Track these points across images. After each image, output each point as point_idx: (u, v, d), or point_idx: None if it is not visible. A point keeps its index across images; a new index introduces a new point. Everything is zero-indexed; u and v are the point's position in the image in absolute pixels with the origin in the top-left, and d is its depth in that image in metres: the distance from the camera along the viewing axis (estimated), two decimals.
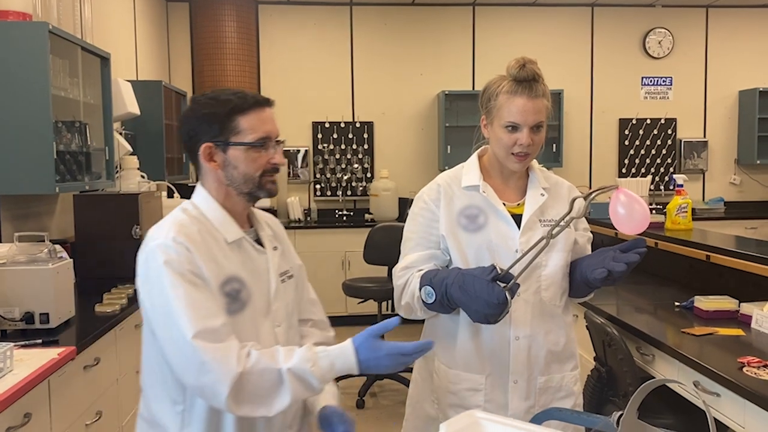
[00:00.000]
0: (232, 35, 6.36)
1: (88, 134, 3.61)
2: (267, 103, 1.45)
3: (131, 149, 4.27)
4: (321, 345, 1.39)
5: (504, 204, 1.74)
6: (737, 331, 2.37)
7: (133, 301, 2.81)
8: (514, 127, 1.67)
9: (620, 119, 6.95)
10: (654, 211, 5.67)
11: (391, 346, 1.34)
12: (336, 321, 5.75)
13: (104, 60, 3.75)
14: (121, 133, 4.58)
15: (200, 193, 1.47)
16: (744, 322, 2.47)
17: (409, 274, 1.74)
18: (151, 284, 1.33)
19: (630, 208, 1.51)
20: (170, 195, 4.27)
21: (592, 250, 1.92)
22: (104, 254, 3.24)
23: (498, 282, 1.54)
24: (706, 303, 2.59)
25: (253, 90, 6.51)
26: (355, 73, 6.75)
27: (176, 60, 6.55)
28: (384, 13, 6.72)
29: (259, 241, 1.50)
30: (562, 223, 1.55)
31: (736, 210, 6.85)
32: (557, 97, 6.52)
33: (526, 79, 1.67)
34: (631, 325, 2.55)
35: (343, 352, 1.35)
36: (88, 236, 3.27)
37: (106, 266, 3.24)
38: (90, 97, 3.66)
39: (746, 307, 2.49)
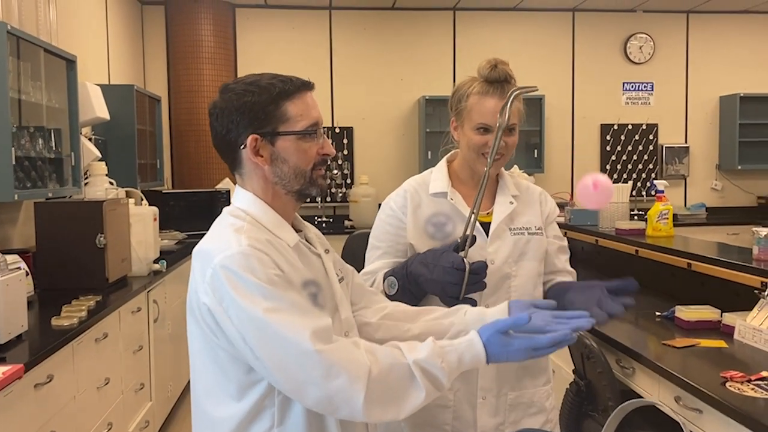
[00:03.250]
0: (208, 39, 6.25)
1: (52, 140, 3.48)
2: (311, 86, 1.31)
3: (100, 155, 4.14)
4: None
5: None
6: (720, 343, 2.29)
7: (93, 314, 2.69)
8: (485, 129, 1.61)
9: (602, 125, 6.91)
10: (636, 218, 5.63)
11: (522, 341, 1.21)
12: None
13: (70, 63, 3.62)
14: (90, 139, 4.45)
15: (245, 197, 1.30)
16: (727, 332, 2.39)
17: (373, 277, 1.67)
18: (233, 301, 1.13)
19: (595, 185, 1.55)
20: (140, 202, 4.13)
21: (572, 263, 1.84)
22: (67, 264, 3.11)
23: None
24: (687, 313, 2.52)
25: None
26: (334, 78, 6.65)
27: (151, 64, 6.41)
28: (363, 18, 6.63)
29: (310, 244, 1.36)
30: (496, 141, 1.52)
31: (717, 216, 6.83)
32: (538, 102, 6.47)
33: (497, 80, 1.61)
34: (610, 336, 2.47)
35: (472, 347, 1.21)
36: (49, 246, 3.14)
37: (69, 277, 3.11)
38: (55, 101, 3.54)
39: (729, 318, 2.42)
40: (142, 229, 3.61)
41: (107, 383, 2.83)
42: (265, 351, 1.12)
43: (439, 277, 1.47)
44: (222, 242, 1.20)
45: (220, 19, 6.33)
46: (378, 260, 1.70)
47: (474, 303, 1.47)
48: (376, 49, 6.66)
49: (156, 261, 3.78)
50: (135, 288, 3.31)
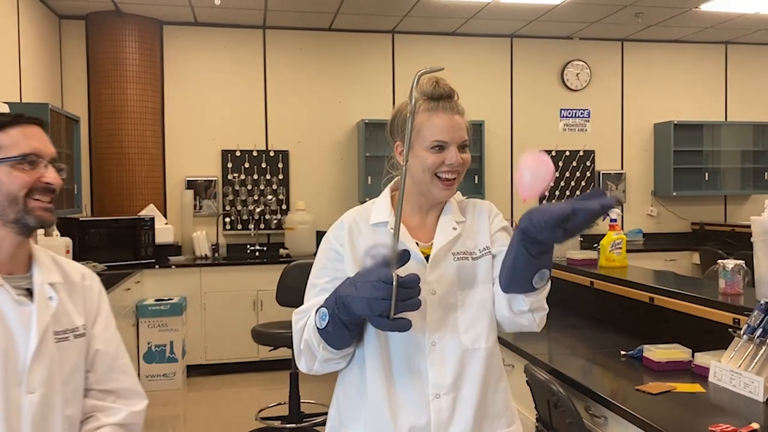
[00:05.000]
0: (133, 56, 5.85)
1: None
2: (33, 121, 1.35)
3: None
4: (121, 425, 1.38)
5: (417, 244, 1.52)
6: (696, 387, 2.12)
7: None
8: (440, 147, 1.49)
9: (540, 151, 6.85)
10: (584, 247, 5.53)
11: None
12: (247, 366, 5.09)
13: None
14: None
15: None
16: (700, 374, 2.23)
17: (306, 316, 1.46)
18: None
19: (536, 166, 1.39)
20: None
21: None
22: None
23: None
24: (656, 353, 2.34)
25: (156, 115, 6.01)
26: (268, 100, 6.36)
27: (70, 82, 5.95)
28: (299, 38, 6.39)
29: (30, 290, 1.33)
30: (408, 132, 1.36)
31: (654, 242, 6.87)
32: (478, 128, 6.37)
33: (443, 96, 1.52)
34: (577, 381, 2.26)
35: None
36: None
37: None
38: None
39: (701, 358, 2.25)
40: None
41: None
42: None
43: (365, 293, 1.27)
44: None
45: (146, 36, 5.95)
46: (315, 297, 1.49)
47: (408, 324, 1.28)
48: (313, 71, 6.42)
49: None
50: None
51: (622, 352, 2.55)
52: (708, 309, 2.41)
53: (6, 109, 3.74)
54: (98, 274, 4.63)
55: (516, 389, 2.11)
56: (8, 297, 1.29)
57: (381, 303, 1.25)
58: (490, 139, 6.63)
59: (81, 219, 5.22)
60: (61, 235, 3.82)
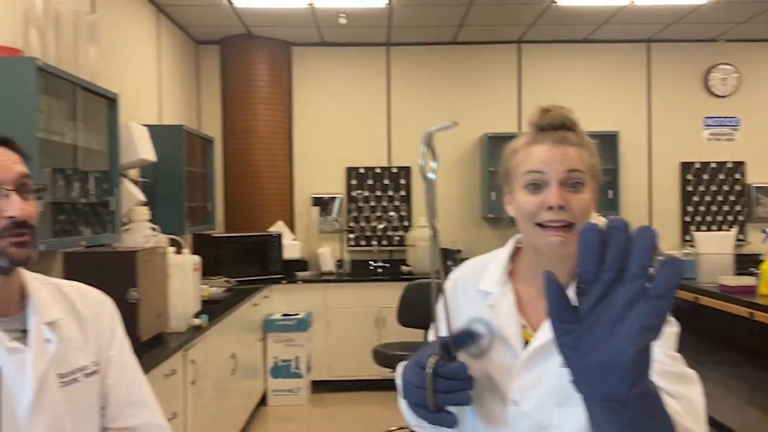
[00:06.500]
0: (264, 78, 6.06)
1: (89, 183, 3.25)
2: None
3: (144, 199, 3.90)
4: None
5: (524, 326, 1.18)
6: None
7: None
8: (536, 185, 1.15)
9: (682, 163, 6.35)
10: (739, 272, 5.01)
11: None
12: (370, 384, 4.93)
13: (111, 102, 3.41)
14: (136, 182, 4.23)
15: None
16: None
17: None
18: None
19: None
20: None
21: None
22: None
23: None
24: None
25: (284, 134, 6.17)
26: (392, 116, 6.35)
27: (206, 104, 6.26)
28: (423, 54, 6.33)
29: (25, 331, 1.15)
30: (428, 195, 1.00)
31: None
32: (612, 139, 5.99)
33: (551, 125, 1.18)
34: (733, 429, 1.97)
35: None
36: None
37: None
38: (94, 142, 3.31)
39: None
40: (181, 280, 3.31)
41: None
42: None
43: (406, 375, 1.06)
44: None
45: (276, 57, 6.14)
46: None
47: (453, 420, 1.03)
48: (436, 86, 6.34)
49: (197, 315, 3.47)
50: (171, 347, 2.99)
51: None
52: None
53: (143, 131, 3.95)
54: (229, 289, 4.81)
55: None
56: None
57: (416, 391, 1.03)
58: (626, 150, 6.21)
59: (214, 235, 5.44)
60: (195, 252, 3.96)
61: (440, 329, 1.04)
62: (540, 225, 1.13)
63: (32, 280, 1.22)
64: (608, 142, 5.92)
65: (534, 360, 1.13)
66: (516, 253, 1.25)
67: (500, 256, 1.27)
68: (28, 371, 1.11)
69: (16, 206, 1.10)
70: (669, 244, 6.15)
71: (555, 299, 0.71)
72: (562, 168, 1.13)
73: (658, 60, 6.39)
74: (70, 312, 1.25)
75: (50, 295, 1.23)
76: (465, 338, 1.08)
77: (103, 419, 1.26)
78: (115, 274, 2.82)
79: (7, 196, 1.10)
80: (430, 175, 0.98)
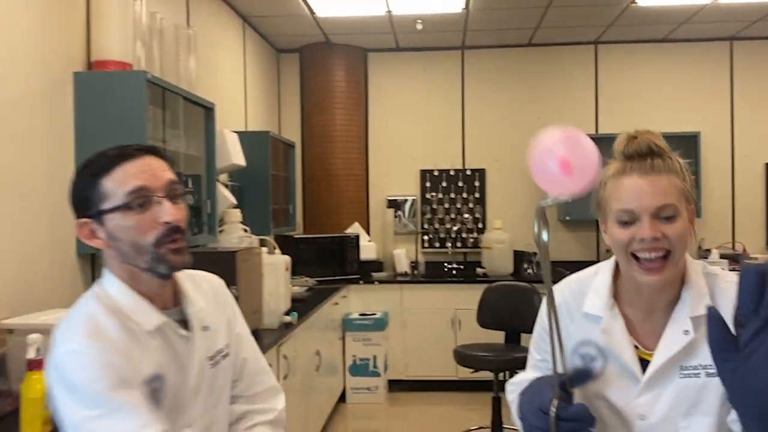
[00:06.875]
0: (341, 84, 6.23)
1: (189, 187, 3.46)
2: (133, 154, 1.20)
3: (235, 202, 4.10)
4: (273, 422, 1.38)
5: (637, 347, 1.25)
6: None
7: None
8: (626, 221, 1.19)
9: (767, 164, 6.15)
10: None
11: None
12: (445, 385, 5.05)
13: (208, 110, 3.62)
14: (227, 186, 4.45)
15: (107, 277, 1.27)
16: None
17: (515, 393, 1.33)
18: (59, 402, 1.13)
19: (564, 166, 1.02)
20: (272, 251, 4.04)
21: None
22: None
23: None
24: None
25: (360, 138, 6.32)
26: (466, 119, 6.41)
27: (286, 110, 6.48)
28: (498, 56, 6.37)
29: (186, 322, 1.29)
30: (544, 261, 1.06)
31: None
32: (693, 140, 5.87)
33: (638, 153, 1.21)
34: None
35: None
36: None
37: None
38: (192, 148, 3.52)
39: None
40: (274, 279, 3.47)
41: None
42: None
43: (528, 416, 1.15)
44: (69, 331, 1.17)
45: (353, 63, 6.30)
46: (528, 371, 1.39)
47: None
48: (511, 88, 6.36)
49: (287, 313, 3.63)
50: (266, 343, 3.16)
51: None
52: None
53: (235, 138, 4.16)
54: (309, 288, 4.98)
55: None
56: (173, 333, 1.26)
57: None
58: (707, 152, 6.07)
59: (295, 236, 5.63)
60: (280, 250, 4.14)
61: (557, 366, 1.09)
62: (635, 256, 1.18)
63: (179, 274, 1.33)
64: (689, 143, 5.80)
65: (657, 378, 1.22)
66: (615, 273, 1.31)
67: (602, 278, 1.31)
68: (196, 354, 1.28)
69: (169, 212, 1.19)
70: (754, 247, 5.98)
71: (716, 332, 0.86)
72: (652, 203, 1.17)
73: (742, 58, 6.21)
74: (207, 300, 1.37)
75: (191, 285, 1.36)
76: (581, 377, 1.17)
77: (233, 389, 1.40)
78: (217, 273, 3.00)
79: (160, 203, 1.19)
80: (545, 238, 1.04)
